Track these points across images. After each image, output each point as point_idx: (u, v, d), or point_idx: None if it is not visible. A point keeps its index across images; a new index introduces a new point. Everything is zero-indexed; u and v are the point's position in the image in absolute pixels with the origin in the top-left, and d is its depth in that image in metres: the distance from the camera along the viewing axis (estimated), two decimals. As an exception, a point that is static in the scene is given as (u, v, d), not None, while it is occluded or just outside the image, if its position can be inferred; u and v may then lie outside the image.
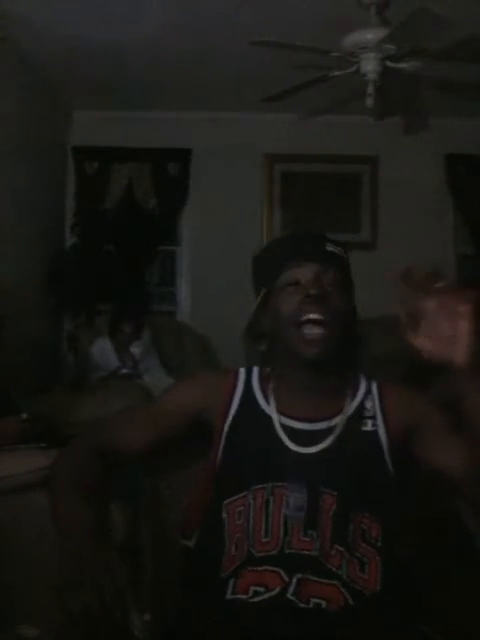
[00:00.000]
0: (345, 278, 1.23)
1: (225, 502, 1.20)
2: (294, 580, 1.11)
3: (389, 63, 3.06)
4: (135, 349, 4.08)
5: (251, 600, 1.12)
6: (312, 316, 1.17)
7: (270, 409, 1.26)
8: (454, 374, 0.98)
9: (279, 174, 4.92)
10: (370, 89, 3.11)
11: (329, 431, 1.22)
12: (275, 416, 1.24)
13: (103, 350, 4.09)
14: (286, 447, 1.21)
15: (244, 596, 1.12)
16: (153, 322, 4.42)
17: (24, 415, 2.27)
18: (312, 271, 1.20)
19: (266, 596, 1.11)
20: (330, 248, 1.23)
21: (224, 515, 1.20)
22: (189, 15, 3.25)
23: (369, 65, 3.04)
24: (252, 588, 1.12)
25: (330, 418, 1.23)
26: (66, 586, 0.99)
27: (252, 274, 1.31)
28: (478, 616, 1.24)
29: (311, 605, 1.10)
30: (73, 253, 4.56)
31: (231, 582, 1.14)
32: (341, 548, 1.14)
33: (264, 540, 1.15)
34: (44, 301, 4.20)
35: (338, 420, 1.23)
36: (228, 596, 1.13)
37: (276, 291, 1.22)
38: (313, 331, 1.17)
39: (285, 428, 1.23)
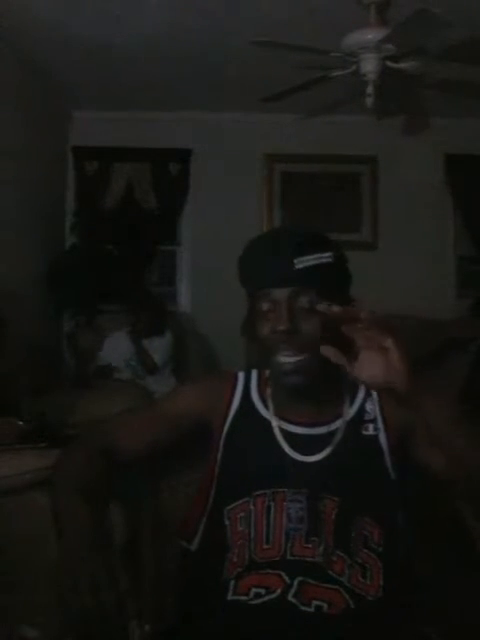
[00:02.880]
0: (327, 288, 1.13)
1: (227, 508, 1.20)
2: (295, 582, 1.11)
3: (389, 63, 3.06)
4: (156, 346, 3.99)
5: (252, 602, 1.11)
6: (284, 353, 1.13)
7: (269, 414, 1.25)
8: (400, 398, 1.00)
9: (279, 174, 4.92)
10: (370, 89, 3.11)
11: (329, 436, 1.21)
12: (274, 421, 1.24)
13: (118, 342, 4.03)
14: (285, 454, 1.20)
15: (245, 597, 1.12)
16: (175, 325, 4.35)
17: (20, 422, 2.27)
18: (282, 297, 1.13)
19: (267, 598, 1.11)
20: (302, 265, 1.12)
21: (226, 521, 1.19)
22: (189, 15, 3.25)
23: (369, 65, 3.04)
24: (253, 590, 1.12)
25: (330, 422, 1.23)
26: (67, 589, 0.99)
27: (238, 271, 1.27)
28: (478, 616, 1.23)
29: (312, 608, 1.09)
30: (73, 253, 4.56)
31: (232, 583, 1.14)
32: (343, 554, 1.14)
33: (266, 547, 1.15)
34: (44, 301, 4.20)
35: (338, 425, 1.22)
36: (229, 597, 1.13)
37: (254, 308, 1.18)
38: (288, 360, 1.13)
39: (284, 433, 1.22)
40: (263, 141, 4.76)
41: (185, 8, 3.19)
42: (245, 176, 4.83)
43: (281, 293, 1.13)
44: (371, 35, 2.97)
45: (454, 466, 1.06)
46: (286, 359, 1.13)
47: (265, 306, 1.15)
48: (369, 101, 3.15)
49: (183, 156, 4.82)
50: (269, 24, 3.21)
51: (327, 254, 1.15)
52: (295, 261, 1.12)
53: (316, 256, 1.13)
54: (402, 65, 3.10)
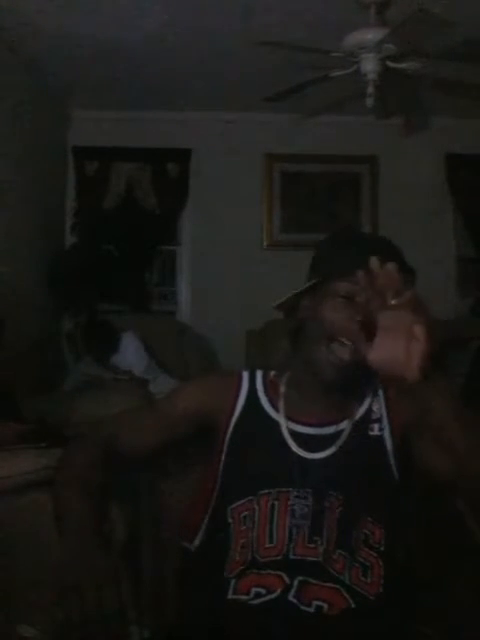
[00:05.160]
0: None
1: (231, 507, 1.20)
2: (296, 583, 1.11)
3: (389, 63, 3.06)
4: (120, 360, 3.91)
5: (252, 601, 1.12)
6: (346, 342, 1.13)
7: (277, 415, 1.25)
8: (402, 390, 0.98)
9: (279, 174, 4.92)
10: (370, 89, 3.11)
11: (336, 436, 1.21)
12: (283, 422, 1.23)
13: (137, 347, 3.97)
14: (293, 453, 1.20)
15: (245, 597, 1.12)
16: (146, 325, 4.31)
17: (20, 423, 2.27)
18: None
19: (267, 598, 1.11)
20: (406, 269, 1.14)
21: (229, 520, 1.19)
22: (189, 15, 3.25)
23: (369, 65, 3.04)
24: (254, 590, 1.12)
25: (337, 423, 1.23)
26: (67, 589, 0.99)
27: (314, 254, 1.26)
28: (478, 616, 1.23)
29: (312, 608, 1.09)
30: (73, 253, 4.56)
31: (233, 583, 1.14)
32: (344, 553, 1.14)
33: (268, 546, 1.15)
34: (44, 301, 4.20)
35: (345, 425, 1.22)
36: (229, 596, 1.13)
37: (327, 290, 1.18)
38: (341, 355, 1.14)
39: (292, 433, 1.22)
40: (263, 141, 4.76)
41: (185, 8, 3.19)
42: (245, 176, 4.83)
43: None
44: (371, 35, 2.97)
45: (459, 466, 1.05)
46: (338, 353, 1.14)
47: (346, 291, 1.14)
48: (369, 101, 3.15)
49: (183, 156, 4.83)
50: (269, 24, 3.21)
51: (409, 266, 1.18)
52: (399, 264, 1.12)
53: (409, 275, 1.15)
54: (402, 65, 3.10)
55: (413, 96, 3.96)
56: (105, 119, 4.66)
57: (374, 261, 0.92)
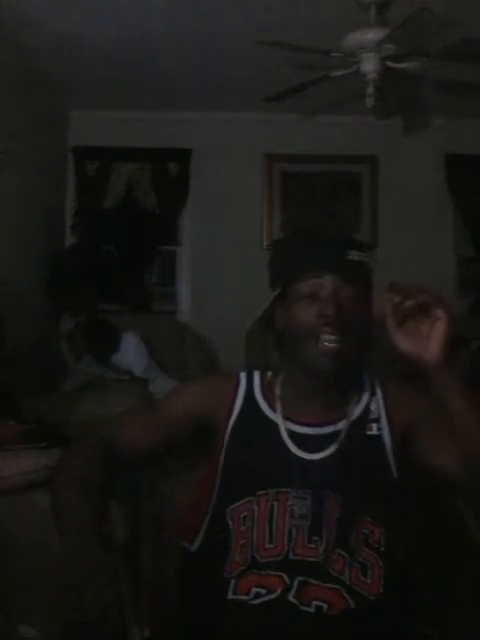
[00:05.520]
0: (366, 287, 1.22)
1: (230, 507, 1.20)
2: (296, 583, 1.11)
3: (389, 63, 3.06)
4: (121, 359, 3.89)
5: (252, 602, 1.12)
6: (327, 336, 1.16)
7: (275, 416, 1.25)
8: (424, 370, 1.04)
9: (279, 174, 4.92)
10: (370, 89, 3.11)
11: (334, 436, 1.21)
12: (281, 422, 1.24)
13: (137, 347, 3.95)
14: (291, 453, 1.20)
15: (245, 597, 1.12)
16: (146, 325, 4.30)
17: (19, 423, 2.27)
18: (331, 284, 1.17)
19: (267, 598, 1.11)
20: (353, 256, 1.20)
21: (229, 521, 1.19)
22: (189, 15, 3.25)
23: (369, 65, 3.04)
24: (254, 590, 1.13)
25: (335, 422, 1.23)
26: (67, 589, 0.99)
27: (270, 262, 1.29)
28: (478, 616, 1.23)
29: (312, 608, 1.10)
30: (73, 253, 4.56)
31: (232, 583, 1.14)
32: (343, 553, 1.14)
33: (268, 546, 1.15)
34: (44, 301, 4.20)
35: (343, 424, 1.23)
36: (229, 597, 1.13)
37: (293, 294, 1.21)
38: (327, 346, 1.16)
39: (290, 433, 1.22)
40: (263, 141, 4.76)
41: (185, 8, 3.19)
42: (245, 176, 4.83)
43: (332, 280, 1.18)
44: (371, 35, 2.97)
45: (470, 456, 1.06)
46: (328, 340, 1.16)
47: (308, 292, 1.19)
48: (369, 101, 3.15)
49: (183, 156, 4.83)
50: (269, 24, 3.21)
51: (369, 255, 1.23)
52: (349, 252, 1.19)
53: (363, 254, 1.22)
54: (402, 65, 3.10)
55: (413, 96, 3.95)
56: (105, 119, 4.65)
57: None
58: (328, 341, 1.15)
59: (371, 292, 1.24)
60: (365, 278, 1.22)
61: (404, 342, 1.03)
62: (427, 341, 1.02)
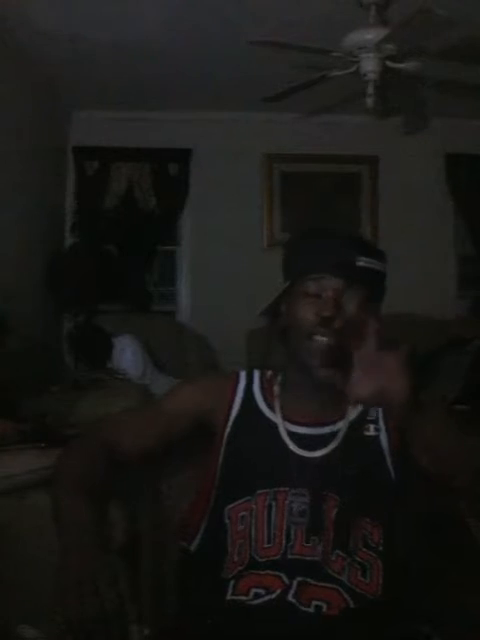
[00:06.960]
0: (373, 293, 1.21)
1: (228, 507, 1.20)
2: (295, 583, 1.11)
3: (389, 63, 3.06)
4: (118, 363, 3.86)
5: (251, 602, 1.12)
6: (319, 337, 1.16)
7: (274, 415, 1.25)
8: (396, 412, 1.01)
9: (279, 174, 4.92)
10: (370, 89, 3.11)
11: (332, 436, 1.22)
12: (280, 422, 1.24)
13: (134, 352, 3.88)
14: (290, 451, 1.21)
15: (244, 597, 1.12)
16: (146, 325, 4.29)
17: (19, 423, 2.27)
18: (333, 288, 1.17)
19: (266, 598, 1.11)
20: (362, 262, 1.18)
21: (226, 520, 1.20)
22: (189, 15, 3.25)
23: (369, 65, 3.04)
24: (253, 590, 1.12)
25: (333, 422, 1.23)
26: (66, 589, 0.99)
27: (283, 256, 1.30)
28: (478, 616, 1.23)
29: (312, 608, 1.09)
30: (73, 253, 4.56)
31: (231, 583, 1.14)
32: (342, 553, 1.14)
33: (266, 546, 1.15)
34: (44, 301, 4.20)
35: (341, 425, 1.23)
36: (228, 597, 1.13)
37: (298, 291, 1.21)
38: (319, 345, 1.16)
39: (289, 433, 1.22)
40: (263, 141, 4.76)
41: (185, 8, 3.19)
42: (245, 176, 4.83)
43: (336, 282, 1.17)
44: (371, 35, 2.97)
45: (443, 468, 1.08)
46: (320, 340, 1.16)
47: (313, 291, 1.19)
48: (369, 101, 3.15)
49: (183, 156, 4.83)
50: (269, 24, 3.21)
51: (383, 264, 1.22)
52: (359, 258, 1.18)
53: (376, 262, 1.20)
54: (402, 65, 3.10)
55: (413, 96, 3.95)
56: (105, 119, 4.65)
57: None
58: (320, 341, 1.16)
59: (381, 297, 1.24)
60: (373, 284, 1.21)
61: (361, 393, 0.99)
62: (387, 387, 0.97)
